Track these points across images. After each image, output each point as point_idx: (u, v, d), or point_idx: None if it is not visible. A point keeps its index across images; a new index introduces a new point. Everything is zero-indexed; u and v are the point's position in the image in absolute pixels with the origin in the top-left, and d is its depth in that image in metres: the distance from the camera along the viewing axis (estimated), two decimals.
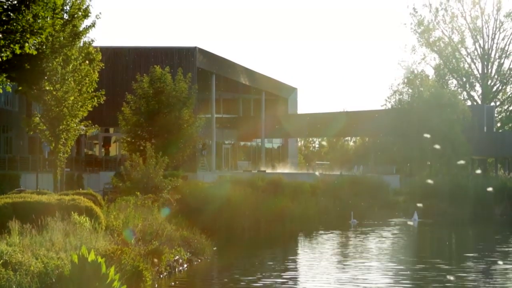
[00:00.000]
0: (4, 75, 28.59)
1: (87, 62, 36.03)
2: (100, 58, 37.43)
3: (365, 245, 35.56)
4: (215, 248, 30.35)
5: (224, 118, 79.63)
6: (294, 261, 30.63)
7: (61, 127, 35.28)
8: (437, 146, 60.98)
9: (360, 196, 53.80)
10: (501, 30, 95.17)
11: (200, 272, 26.23)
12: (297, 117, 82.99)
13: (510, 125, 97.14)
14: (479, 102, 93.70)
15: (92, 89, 36.48)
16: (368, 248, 34.13)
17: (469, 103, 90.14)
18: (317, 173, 62.48)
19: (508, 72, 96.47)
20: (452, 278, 24.11)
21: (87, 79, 35.84)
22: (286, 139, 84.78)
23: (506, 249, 34.52)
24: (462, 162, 61.69)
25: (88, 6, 34.78)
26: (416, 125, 64.73)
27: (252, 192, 45.27)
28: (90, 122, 37.78)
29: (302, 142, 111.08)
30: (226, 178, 48.98)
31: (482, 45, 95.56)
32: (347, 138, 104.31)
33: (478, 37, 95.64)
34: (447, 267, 27.59)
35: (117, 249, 20.53)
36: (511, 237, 42.71)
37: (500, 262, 28.62)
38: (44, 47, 32.71)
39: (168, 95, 47.37)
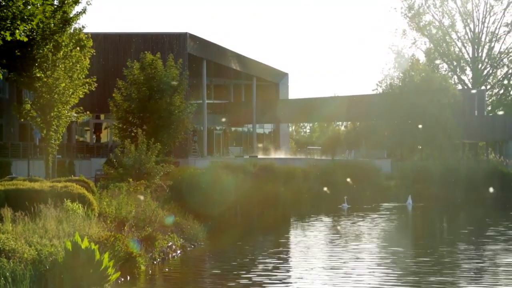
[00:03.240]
0: None
1: (78, 48, 35.84)
2: (91, 44, 37.23)
3: (358, 228, 35.64)
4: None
5: (215, 103, 79.55)
6: (287, 245, 30.69)
7: (52, 114, 35.10)
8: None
9: (352, 181, 53.87)
10: (491, 13, 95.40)
11: (193, 258, 26.27)
12: (288, 102, 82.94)
13: (500, 108, 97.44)
14: (470, 86, 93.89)
15: (83, 76, 36.32)
16: (361, 232, 34.20)
17: (459, 87, 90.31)
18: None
19: (498, 56, 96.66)
20: (445, 260, 24.23)
21: (78, 65, 35.63)
22: (277, 124, 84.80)
23: (497, 232, 34.69)
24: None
25: None
26: (407, 110, 64.77)
27: (244, 177, 45.25)
28: (81, 108, 37.65)
29: (293, 127, 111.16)
30: (218, 164, 48.94)
31: (472, 29, 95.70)
32: (338, 122, 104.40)
33: (468, 21, 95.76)
34: (441, 250, 27.72)
35: (111, 236, 20.55)
36: (503, 219, 42.88)
37: (490, 245, 28.82)
38: (34, 33, 32.48)
39: (159, 81, 47.27)
